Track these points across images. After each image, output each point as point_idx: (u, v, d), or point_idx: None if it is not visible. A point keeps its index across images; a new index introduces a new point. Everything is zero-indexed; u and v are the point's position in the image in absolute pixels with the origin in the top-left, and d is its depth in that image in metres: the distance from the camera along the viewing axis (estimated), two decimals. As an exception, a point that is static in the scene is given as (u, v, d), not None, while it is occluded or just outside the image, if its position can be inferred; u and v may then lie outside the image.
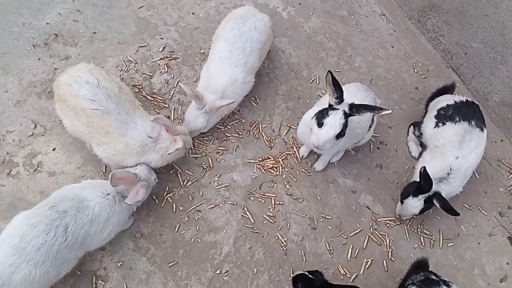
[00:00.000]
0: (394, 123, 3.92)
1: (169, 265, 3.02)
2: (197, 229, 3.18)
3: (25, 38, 3.61)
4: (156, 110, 3.54)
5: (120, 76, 3.60)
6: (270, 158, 3.54)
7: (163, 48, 3.83)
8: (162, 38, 3.88)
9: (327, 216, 3.39)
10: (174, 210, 3.21)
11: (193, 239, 3.14)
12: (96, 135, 2.80)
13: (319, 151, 3.19)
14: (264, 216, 3.30)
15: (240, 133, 3.59)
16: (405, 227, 3.46)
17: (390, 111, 2.68)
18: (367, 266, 3.26)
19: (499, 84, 3.91)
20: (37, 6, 3.78)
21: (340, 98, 2.70)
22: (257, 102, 3.76)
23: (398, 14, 4.63)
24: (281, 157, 3.55)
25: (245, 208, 3.31)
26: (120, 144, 2.81)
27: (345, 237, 3.34)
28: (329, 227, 3.36)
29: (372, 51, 4.31)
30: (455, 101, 3.43)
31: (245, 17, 3.39)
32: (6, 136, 3.22)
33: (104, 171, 3.22)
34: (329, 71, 2.62)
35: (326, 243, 3.29)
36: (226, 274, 3.06)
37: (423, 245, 3.42)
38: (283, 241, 3.23)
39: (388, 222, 3.46)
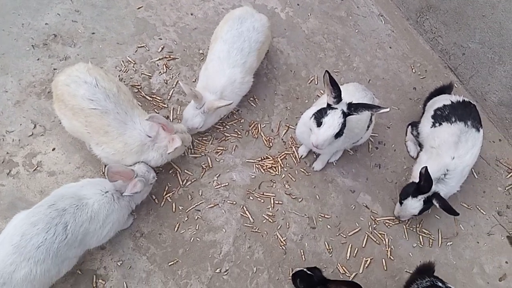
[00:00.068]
0: (393, 123, 3.93)
1: (169, 264, 3.03)
2: (197, 228, 3.18)
3: (24, 38, 3.62)
4: (155, 110, 3.55)
5: (119, 76, 3.61)
6: (269, 158, 3.55)
7: (162, 48, 3.84)
8: (161, 39, 3.90)
9: (326, 216, 3.40)
10: (173, 210, 3.22)
11: (192, 239, 3.14)
12: (94, 134, 2.81)
13: (318, 151, 3.20)
14: (263, 215, 3.31)
15: (239, 133, 3.60)
16: (404, 226, 3.47)
17: (388, 109, 2.69)
18: (366, 265, 3.27)
19: (496, 84, 3.93)
20: (36, 6, 3.79)
21: (338, 98, 2.70)
22: (256, 102, 3.77)
23: (396, 15, 4.65)
24: (280, 157, 3.56)
25: (244, 207, 3.31)
26: (119, 143, 2.82)
27: (344, 236, 3.35)
28: (328, 226, 3.37)
29: (370, 51, 4.32)
30: (451, 101, 3.45)
31: (243, 17, 3.40)
32: (6, 136, 3.23)
33: (103, 170, 3.22)
34: (326, 71, 2.64)
35: (325, 242, 3.30)
36: (225, 273, 3.07)
37: (422, 244, 3.43)
38: (282, 240, 3.24)
39: (387, 221, 3.47)
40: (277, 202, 3.38)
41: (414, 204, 3.15)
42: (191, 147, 3.46)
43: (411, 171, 3.61)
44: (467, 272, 3.38)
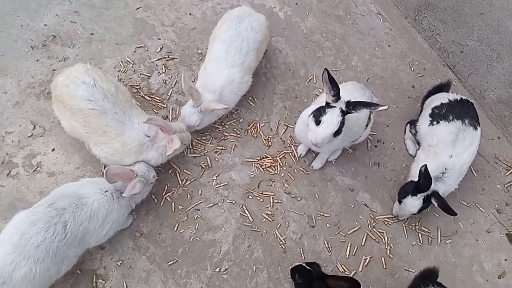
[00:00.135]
0: (391, 121, 3.94)
1: (169, 263, 3.04)
2: (196, 227, 3.19)
3: (23, 39, 3.63)
4: (154, 110, 3.56)
5: (118, 76, 3.62)
6: (268, 157, 3.55)
7: (161, 48, 3.85)
8: (159, 39, 3.90)
9: (325, 214, 3.40)
10: (173, 209, 3.23)
11: (192, 238, 3.15)
12: (93, 135, 2.82)
13: (317, 149, 3.21)
14: (262, 214, 3.32)
15: (238, 133, 3.61)
16: (403, 224, 3.47)
17: (386, 107, 2.70)
18: (365, 264, 3.27)
19: (495, 81, 3.94)
20: (35, 8, 3.80)
21: (337, 96, 2.71)
22: (254, 102, 3.78)
23: (394, 13, 4.65)
24: (279, 156, 3.57)
25: (243, 206, 3.32)
26: (117, 143, 2.83)
27: (344, 234, 3.36)
28: (328, 225, 3.37)
29: (368, 50, 4.33)
30: (449, 100, 3.45)
31: (241, 17, 3.41)
32: (6, 137, 3.24)
33: (103, 171, 3.22)
34: (325, 69, 2.64)
35: (325, 241, 3.31)
36: (225, 272, 3.08)
37: (421, 242, 3.43)
38: (281, 239, 3.25)
39: (386, 219, 3.47)
40: (276, 201, 3.38)
41: (413, 203, 3.15)
42: (191, 147, 3.47)
43: (410, 169, 3.61)
44: (466, 269, 3.38)
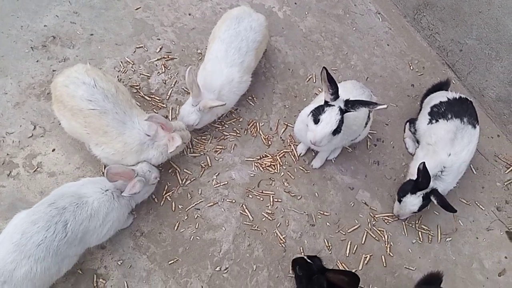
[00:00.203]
0: (391, 120, 3.95)
1: (169, 263, 3.05)
2: (197, 227, 3.20)
3: (23, 40, 3.64)
4: (154, 110, 3.56)
5: (117, 77, 3.63)
6: (268, 156, 3.56)
7: (160, 48, 3.86)
8: (159, 39, 3.92)
9: (325, 213, 3.41)
10: (173, 209, 3.24)
11: (192, 237, 3.16)
12: (94, 135, 2.83)
13: (316, 148, 3.22)
14: (262, 213, 3.33)
15: (238, 132, 3.62)
16: (403, 222, 3.48)
17: (385, 106, 2.71)
18: (365, 262, 3.28)
19: (494, 80, 3.94)
20: (35, 8, 3.81)
21: (335, 95, 2.72)
22: (254, 101, 3.79)
23: (393, 12, 4.66)
24: (279, 155, 3.58)
25: (243, 205, 3.33)
26: (118, 143, 2.84)
27: (344, 233, 3.36)
28: (328, 223, 3.38)
29: (368, 49, 4.34)
30: (448, 98, 3.45)
31: (240, 17, 3.42)
32: (6, 137, 3.25)
33: (103, 171, 3.24)
34: (324, 67, 2.65)
35: (325, 240, 3.31)
36: (225, 271, 3.08)
37: (422, 240, 3.44)
38: (282, 238, 3.26)
39: (386, 218, 3.48)
40: (276, 200, 3.39)
41: (413, 201, 3.15)
42: (190, 146, 3.48)
43: (409, 168, 3.62)
44: (466, 267, 3.39)
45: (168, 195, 3.28)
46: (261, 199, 3.38)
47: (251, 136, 3.63)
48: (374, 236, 3.38)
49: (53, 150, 3.27)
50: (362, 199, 3.53)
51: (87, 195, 2.59)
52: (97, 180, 2.77)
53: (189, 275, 3.03)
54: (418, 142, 3.69)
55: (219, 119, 3.60)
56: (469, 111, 3.37)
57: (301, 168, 3.56)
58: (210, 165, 3.45)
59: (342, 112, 2.73)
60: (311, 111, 2.81)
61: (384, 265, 3.29)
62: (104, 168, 3.22)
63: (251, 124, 3.67)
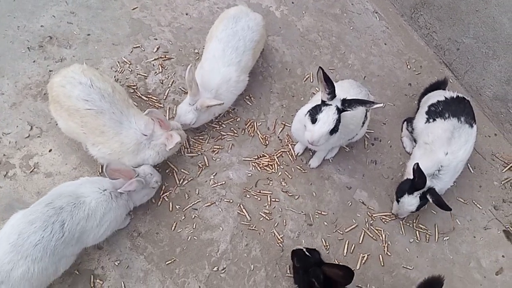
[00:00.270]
0: (388, 119, 3.95)
1: (167, 263, 3.04)
2: (194, 227, 3.20)
3: (19, 41, 3.63)
4: (151, 110, 3.56)
5: (114, 77, 3.62)
6: (265, 156, 3.56)
7: (157, 48, 3.85)
8: (156, 39, 3.91)
9: (322, 212, 3.41)
10: (170, 209, 3.23)
11: (190, 237, 3.16)
12: (90, 135, 2.83)
13: (314, 148, 3.22)
14: (260, 213, 3.33)
15: (235, 132, 3.62)
16: (401, 222, 3.48)
17: (381, 105, 2.71)
18: (363, 261, 3.28)
19: (491, 78, 3.94)
20: (31, 9, 3.80)
21: (332, 94, 2.72)
22: (251, 101, 3.79)
23: (391, 12, 4.66)
24: (276, 154, 3.58)
25: (241, 205, 3.33)
26: (115, 143, 2.84)
27: (341, 232, 3.36)
28: (325, 223, 3.38)
29: (365, 48, 4.34)
30: (445, 97, 3.46)
31: (238, 16, 3.41)
32: (3, 138, 3.24)
33: (100, 171, 3.24)
34: (320, 67, 2.65)
35: (322, 239, 3.31)
36: (223, 271, 3.08)
37: (419, 239, 3.44)
38: (279, 237, 3.26)
39: (384, 217, 3.48)
40: (273, 199, 3.39)
41: (411, 201, 3.16)
42: (188, 146, 3.47)
43: (406, 167, 3.62)
44: (464, 266, 3.39)
45: (166, 195, 3.28)
46: (259, 199, 3.38)
47: (248, 135, 3.63)
48: (372, 236, 3.38)
49: (50, 150, 3.26)
50: (360, 199, 3.53)
51: (85, 194, 2.59)
52: (95, 180, 2.77)
53: (186, 275, 3.03)
54: (415, 141, 3.69)
55: (216, 119, 3.60)
56: (466, 110, 3.38)
57: (299, 167, 3.56)
58: (207, 165, 3.45)
59: (339, 111, 2.73)
60: (308, 111, 2.81)
61: (382, 264, 3.29)
62: (101, 168, 3.23)
63: (248, 124, 3.66)
